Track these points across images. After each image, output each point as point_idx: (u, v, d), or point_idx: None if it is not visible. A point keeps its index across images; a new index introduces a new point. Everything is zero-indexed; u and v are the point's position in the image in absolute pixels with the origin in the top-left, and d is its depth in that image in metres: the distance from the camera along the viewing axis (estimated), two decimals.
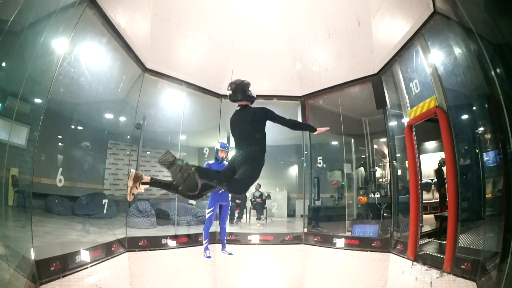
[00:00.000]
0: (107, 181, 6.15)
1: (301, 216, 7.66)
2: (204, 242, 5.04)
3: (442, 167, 5.98)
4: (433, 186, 7.62)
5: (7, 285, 2.77)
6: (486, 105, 3.45)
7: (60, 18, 3.54)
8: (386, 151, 6.59)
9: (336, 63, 6.46)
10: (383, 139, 6.82)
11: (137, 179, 2.50)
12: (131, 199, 2.61)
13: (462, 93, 3.94)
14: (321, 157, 7.46)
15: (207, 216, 5.08)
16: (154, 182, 2.54)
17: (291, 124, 3.14)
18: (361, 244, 5.53)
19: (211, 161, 5.23)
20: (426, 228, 5.26)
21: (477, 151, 3.85)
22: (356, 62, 6.10)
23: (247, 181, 2.67)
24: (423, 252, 4.40)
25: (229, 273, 5.83)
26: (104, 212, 5.24)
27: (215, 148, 5.24)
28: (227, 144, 5.36)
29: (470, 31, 3.30)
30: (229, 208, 5.51)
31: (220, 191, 5.03)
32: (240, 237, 6.41)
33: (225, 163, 5.32)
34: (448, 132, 3.89)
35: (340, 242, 5.82)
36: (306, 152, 7.42)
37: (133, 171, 2.49)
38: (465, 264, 3.53)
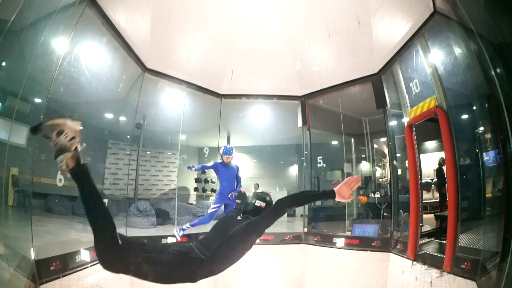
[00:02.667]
0: (107, 180, 6.16)
1: (301, 216, 7.66)
2: (185, 226, 5.07)
3: (443, 167, 5.98)
4: (433, 185, 7.62)
5: (7, 285, 2.77)
6: (486, 105, 3.45)
7: (60, 17, 3.54)
8: (386, 150, 6.59)
9: (336, 63, 6.46)
10: (383, 139, 6.82)
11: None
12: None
13: (462, 92, 3.94)
14: (321, 157, 7.46)
15: (209, 211, 5.08)
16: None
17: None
18: (361, 243, 5.53)
19: (219, 160, 5.29)
20: (426, 228, 5.27)
21: (477, 150, 3.85)
22: (356, 62, 6.10)
23: None
24: (423, 251, 4.40)
25: (228, 273, 5.81)
26: None
27: (220, 153, 5.33)
28: (230, 148, 5.32)
29: (470, 31, 3.30)
30: (235, 207, 5.52)
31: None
32: None
33: (232, 164, 5.33)
34: (448, 131, 3.89)
35: (340, 241, 5.82)
36: (306, 152, 7.43)
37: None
38: (465, 263, 3.53)
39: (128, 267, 1.77)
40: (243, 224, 2.09)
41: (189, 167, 5.23)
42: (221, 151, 5.30)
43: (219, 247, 1.99)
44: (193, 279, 1.92)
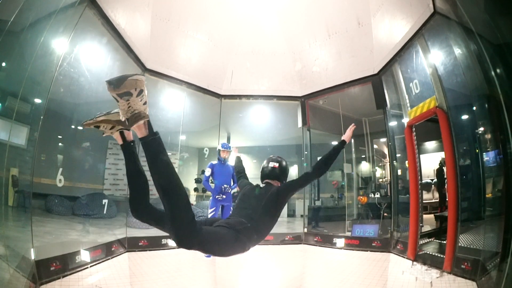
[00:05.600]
0: (107, 181, 6.16)
1: (301, 216, 7.66)
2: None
3: (443, 167, 5.98)
4: (433, 186, 7.63)
5: (7, 285, 2.77)
6: (486, 105, 3.45)
7: (60, 18, 3.54)
8: (386, 151, 6.59)
9: (336, 63, 6.46)
10: (383, 139, 6.82)
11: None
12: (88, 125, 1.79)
13: (462, 93, 3.94)
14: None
15: (209, 216, 5.08)
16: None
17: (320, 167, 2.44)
18: (361, 244, 5.53)
19: (214, 161, 5.27)
20: (426, 228, 5.26)
21: (477, 151, 3.85)
22: (356, 62, 6.10)
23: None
24: (423, 252, 4.41)
25: (228, 273, 5.82)
26: (104, 212, 5.24)
27: (217, 149, 5.29)
28: (229, 144, 5.40)
29: (470, 31, 3.30)
30: (231, 208, 5.52)
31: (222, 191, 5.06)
32: None
33: (228, 163, 5.33)
34: (448, 132, 3.89)
35: (340, 242, 5.82)
36: (306, 152, 7.43)
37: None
38: (465, 264, 3.53)
39: (201, 243, 1.72)
40: (273, 190, 2.26)
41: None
42: (219, 147, 5.31)
43: (261, 214, 2.10)
44: (245, 249, 1.98)
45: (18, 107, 3.18)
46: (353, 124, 2.81)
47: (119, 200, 6.14)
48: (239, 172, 3.07)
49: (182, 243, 1.63)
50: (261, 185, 2.50)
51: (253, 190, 2.42)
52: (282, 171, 2.56)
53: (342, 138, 2.65)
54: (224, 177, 5.17)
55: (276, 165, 2.56)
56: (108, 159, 6.21)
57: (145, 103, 1.46)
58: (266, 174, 2.55)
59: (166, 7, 5.59)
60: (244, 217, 2.06)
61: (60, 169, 4.05)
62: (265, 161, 2.65)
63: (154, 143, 1.56)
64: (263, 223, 2.12)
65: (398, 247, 4.98)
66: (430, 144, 7.87)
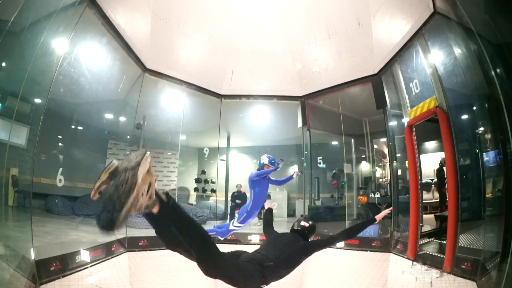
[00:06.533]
0: None
1: (301, 216, 7.66)
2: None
3: (443, 167, 5.98)
4: (433, 186, 7.62)
5: (7, 285, 2.77)
6: (486, 105, 3.45)
7: (60, 18, 3.54)
8: (386, 151, 6.59)
9: (336, 63, 6.46)
10: (383, 139, 6.82)
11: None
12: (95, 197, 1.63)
13: (462, 93, 3.94)
14: (321, 157, 7.46)
15: (231, 227, 4.52)
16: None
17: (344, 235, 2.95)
18: (361, 244, 5.52)
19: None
20: (426, 228, 5.26)
21: (477, 151, 3.85)
22: (356, 62, 6.10)
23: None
24: (423, 252, 4.40)
25: None
26: None
27: (261, 163, 4.63)
28: (275, 160, 4.65)
29: (470, 31, 3.30)
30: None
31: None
32: (240, 237, 6.40)
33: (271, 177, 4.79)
34: (448, 132, 3.89)
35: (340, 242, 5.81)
36: (306, 152, 7.43)
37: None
38: (465, 264, 3.53)
39: (224, 274, 1.93)
40: (300, 244, 2.57)
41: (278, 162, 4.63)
42: (265, 161, 4.59)
43: (285, 259, 2.32)
44: (266, 283, 2.18)
45: (18, 107, 3.18)
46: (390, 208, 3.36)
47: None
48: (267, 224, 3.23)
49: (208, 274, 1.86)
50: (290, 233, 2.83)
51: (283, 236, 2.73)
52: (309, 230, 2.90)
53: (375, 217, 3.00)
54: (264, 191, 4.59)
55: (307, 224, 2.92)
56: (108, 159, 6.21)
57: (150, 197, 1.52)
58: (295, 230, 2.88)
59: (166, 7, 5.59)
60: (271, 256, 2.26)
61: (60, 169, 4.06)
62: (300, 218, 2.99)
63: (174, 207, 1.69)
64: (286, 265, 2.34)
65: (398, 247, 4.98)
66: (430, 144, 7.86)
